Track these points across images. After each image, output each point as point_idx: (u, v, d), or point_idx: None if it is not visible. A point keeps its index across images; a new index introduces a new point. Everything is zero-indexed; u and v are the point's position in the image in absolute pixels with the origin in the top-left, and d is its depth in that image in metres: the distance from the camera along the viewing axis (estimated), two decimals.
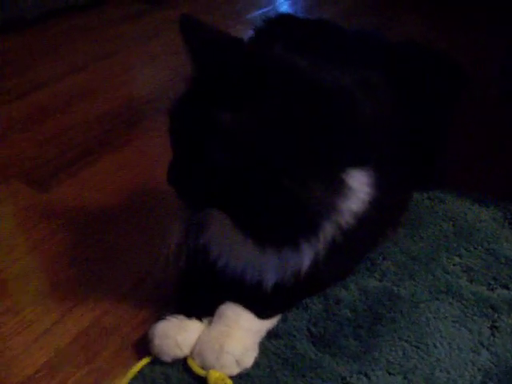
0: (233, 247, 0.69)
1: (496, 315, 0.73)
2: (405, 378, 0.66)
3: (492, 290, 0.77)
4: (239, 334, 0.67)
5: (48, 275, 0.82)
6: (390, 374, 0.66)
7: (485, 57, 1.36)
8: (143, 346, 0.70)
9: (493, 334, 0.71)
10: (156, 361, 0.68)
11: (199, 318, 0.70)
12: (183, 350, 0.67)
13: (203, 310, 0.71)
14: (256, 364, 0.67)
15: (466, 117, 1.01)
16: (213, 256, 0.71)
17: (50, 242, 0.88)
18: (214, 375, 0.64)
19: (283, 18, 1.04)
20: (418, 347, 0.69)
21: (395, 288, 0.77)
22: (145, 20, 1.72)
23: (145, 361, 0.68)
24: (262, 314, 0.70)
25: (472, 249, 0.84)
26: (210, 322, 0.70)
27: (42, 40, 1.60)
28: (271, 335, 0.71)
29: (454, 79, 0.98)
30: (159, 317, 0.70)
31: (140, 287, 0.80)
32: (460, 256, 0.83)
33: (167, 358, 0.67)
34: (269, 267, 0.68)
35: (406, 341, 0.70)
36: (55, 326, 0.74)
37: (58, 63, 1.45)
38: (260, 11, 1.75)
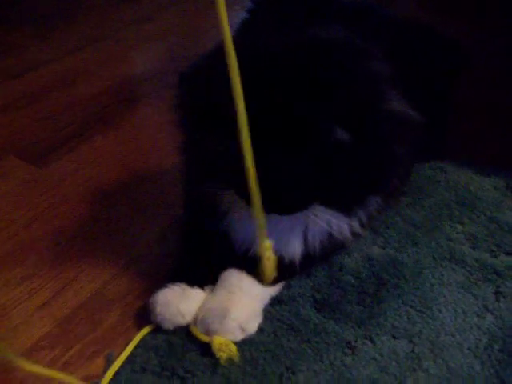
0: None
1: (500, 281, 0.73)
2: (410, 341, 0.66)
3: (495, 256, 0.77)
4: (243, 300, 0.66)
5: (46, 249, 0.81)
6: (395, 338, 0.66)
7: (485, 38, 1.35)
8: (145, 316, 0.69)
9: (497, 299, 0.71)
10: (158, 329, 0.67)
11: (201, 286, 0.70)
12: (186, 318, 0.67)
13: (205, 278, 0.70)
14: (260, 330, 0.67)
15: (467, 91, 1.00)
16: (235, 242, 0.70)
17: (47, 216, 0.87)
18: (217, 341, 0.63)
19: None
20: (422, 312, 0.69)
21: (398, 255, 0.77)
22: (142, 3, 1.70)
23: (147, 329, 0.67)
24: None
25: (474, 217, 0.83)
26: (211, 290, 0.69)
27: (38, 20, 1.57)
28: (275, 301, 0.70)
29: (454, 55, 0.98)
30: (160, 286, 0.70)
31: (140, 259, 0.79)
32: (462, 224, 0.82)
33: (169, 326, 0.67)
34: (297, 241, 0.68)
35: (411, 306, 0.70)
36: (55, 297, 0.73)
37: (54, 44, 1.43)
38: None
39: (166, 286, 0.69)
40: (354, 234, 0.70)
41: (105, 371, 0.63)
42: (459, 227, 0.82)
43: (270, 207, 0.61)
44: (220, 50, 0.64)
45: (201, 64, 0.66)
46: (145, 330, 0.67)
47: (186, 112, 0.68)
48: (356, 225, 0.70)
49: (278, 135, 0.56)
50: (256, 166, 0.58)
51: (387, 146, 0.61)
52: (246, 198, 0.61)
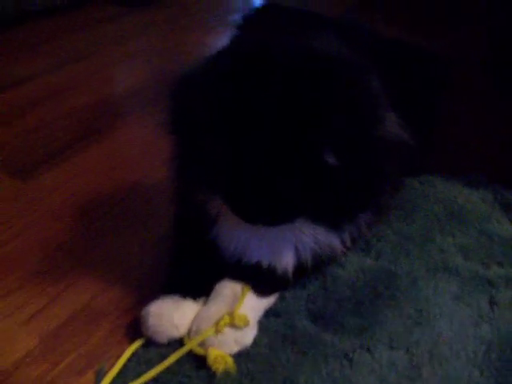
0: (250, 241, 0.68)
1: (493, 291, 0.73)
2: (408, 352, 0.65)
3: (487, 267, 0.77)
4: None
5: (32, 263, 0.78)
6: (392, 348, 0.65)
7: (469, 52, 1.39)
8: (136, 329, 0.67)
9: (492, 309, 0.71)
10: (151, 342, 0.65)
11: (194, 297, 0.68)
12: (179, 330, 0.65)
13: (198, 289, 0.69)
14: (256, 342, 0.65)
15: (453, 104, 1.02)
16: (225, 251, 0.69)
17: (33, 230, 0.85)
18: (213, 353, 0.62)
19: (271, 6, 1.04)
20: (419, 322, 0.68)
21: (392, 267, 0.77)
22: (125, 21, 1.71)
23: (138, 343, 0.65)
24: (261, 291, 0.68)
25: (465, 229, 0.84)
26: (205, 302, 0.68)
27: (22, 38, 1.57)
28: (270, 313, 0.69)
29: (437, 71, 1.00)
30: (152, 298, 0.68)
31: (129, 272, 0.77)
32: (453, 236, 0.82)
33: (163, 339, 0.65)
34: (289, 252, 0.68)
35: (407, 316, 0.69)
36: (44, 310, 0.71)
37: (39, 60, 1.42)
38: (241, 15, 1.75)
39: (158, 298, 0.67)
40: (344, 248, 0.70)
41: None
42: (450, 239, 0.82)
43: (255, 217, 0.61)
44: (212, 59, 0.65)
45: (194, 72, 0.66)
46: (137, 344, 0.65)
47: (178, 119, 0.68)
48: (346, 239, 0.69)
49: (269, 150, 0.56)
50: (246, 174, 0.58)
51: (377, 167, 0.61)
52: (232, 205, 0.61)
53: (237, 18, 0.97)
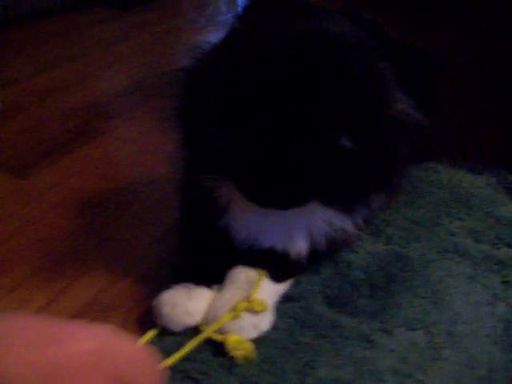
0: (262, 226, 0.67)
1: (505, 271, 0.73)
2: (427, 332, 0.64)
3: (497, 248, 0.77)
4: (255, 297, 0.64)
5: (35, 259, 0.76)
6: (411, 329, 0.64)
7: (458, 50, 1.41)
8: (147, 321, 0.65)
9: (505, 288, 0.70)
10: (165, 331, 0.63)
11: (207, 284, 0.67)
12: (195, 318, 0.63)
13: (210, 276, 0.67)
14: (274, 327, 0.64)
15: (453, 95, 1.03)
16: (237, 238, 0.68)
17: (34, 226, 0.82)
18: (232, 339, 0.60)
19: None
20: (435, 303, 0.68)
21: (403, 250, 0.76)
22: (116, 24, 1.70)
23: (152, 332, 0.63)
24: (276, 276, 0.67)
25: (472, 213, 0.84)
26: (218, 289, 0.66)
27: (13, 41, 1.55)
28: (286, 299, 0.68)
29: (430, 61, 1.01)
30: (162, 289, 0.66)
31: (136, 264, 0.75)
32: (461, 220, 0.82)
33: (177, 327, 0.63)
34: (302, 236, 0.67)
35: (423, 297, 0.68)
36: (50, 304, 0.68)
37: (30, 62, 1.41)
38: (230, 15, 1.76)
39: (170, 287, 0.66)
40: (357, 231, 0.69)
41: None
42: (458, 223, 0.82)
43: (268, 201, 0.60)
44: (224, 45, 0.64)
45: (201, 63, 0.65)
46: (151, 333, 0.63)
47: (187, 108, 0.67)
48: (360, 222, 0.69)
49: (282, 132, 0.55)
50: (256, 157, 0.57)
51: (392, 148, 0.61)
52: (244, 189, 0.60)
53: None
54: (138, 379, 0.35)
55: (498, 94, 1.03)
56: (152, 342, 0.62)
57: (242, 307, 0.62)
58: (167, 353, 0.60)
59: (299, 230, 0.67)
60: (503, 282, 0.71)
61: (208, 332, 0.61)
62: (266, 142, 0.56)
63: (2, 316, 0.32)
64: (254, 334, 0.62)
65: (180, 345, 0.61)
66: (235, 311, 0.62)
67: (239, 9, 1.05)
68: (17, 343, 0.30)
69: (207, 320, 0.63)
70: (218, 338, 0.61)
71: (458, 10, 1.69)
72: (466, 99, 1.11)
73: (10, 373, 0.28)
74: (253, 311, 0.62)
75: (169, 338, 0.63)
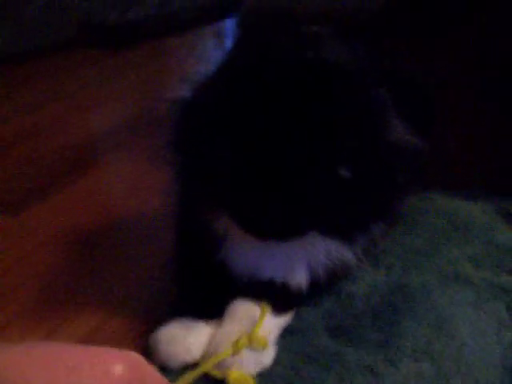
0: (261, 258, 0.65)
1: (509, 297, 0.72)
2: (434, 363, 0.62)
3: (499, 275, 0.76)
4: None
5: (29, 295, 0.74)
6: (417, 360, 0.62)
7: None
8: (145, 359, 0.63)
9: (510, 315, 0.69)
10: (162, 370, 0.61)
11: (207, 319, 0.64)
12: (193, 354, 0.61)
13: (209, 311, 0.65)
14: (276, 361, 0.61)
15: (446, 121, 1.03)
16: (236, 271, 0.66)
17: (27, 262, 0.80)
18: (233, 375, 0.58)
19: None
20: (440, 332, 0.66)
21: (404, 280, 0.75)
22: (108, 63, 1.72)
23: None
24: (277, 309, 0.65)
25: (470, 240, 0.83)
26: (218, 324, 0.64)
27: (3, 80, 1.55)
28: (287, 332, 0.66)
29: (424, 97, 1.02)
30: (159, 325, 0.64)
31: (131, 300, 0.73)
32: (460, 248, 0.81)
33: (175, 365, 0.60)
34: (302, 268, 0.65)
35: (427, 327, 0.66)
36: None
37: (19, 102, 1.41)
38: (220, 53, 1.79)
39: (167, 323, 0.63)
40: (357, 261, 0.68)
41: None
42: (457, 251, 0.81)
43: (266, 233, 0.59)
44: (219, 75, 0.65)
45: (200, 88, 0.65)
46: None
47: (182, 138, 0.66)
48: (359, 252, 0.68)
49: (281, 164, 0.55)
50: (254, 189, 0.56)
51: (391, 175, 0.60)
52: (241, 221, 0.59)
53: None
54: None
55: (492, 115, 1.03)
56: None
57: (243, 344, 0.60)
58: None
59: (299, 261, 0.66)
60: (507, 309, 0.70)
61: (206, 367, 0.59)
62: (264, 173, 0.55)
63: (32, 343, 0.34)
64: (256, 370, 0.60)
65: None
66: (235, 347, 0.59)
67: (228, 47, 1.06)
68: (55, 367, 0.31)
69: (207, 356, 0.60)
70: (218, 374, 0.59)
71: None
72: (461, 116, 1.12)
73: None
74: (254, 348, 0.60)
75: (166, 375, 0.59)
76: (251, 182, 0.56)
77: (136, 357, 0.37)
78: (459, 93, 1.03)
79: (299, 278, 0.66)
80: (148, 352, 0.62)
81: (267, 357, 0.61)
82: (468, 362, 0.62)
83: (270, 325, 0.64)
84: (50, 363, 0.31)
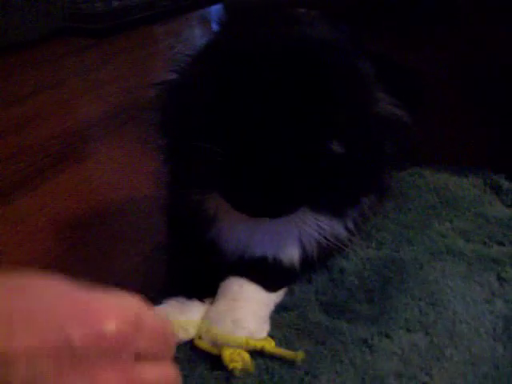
0: (252, 236, 0.65)
1: (499, 268, 0.72)
2: (427, 333, 0.63)
3: (489, 247, 0.77)
4: (250, 307, 0.62)
5: None
6: (410, 331, 0.63)
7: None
8: None
9: (501, 285, 0.70)
10: None
11: (200, 298, 0.65)
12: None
13: (202, 289, 0.65)
14: (270, 337, 0.62)
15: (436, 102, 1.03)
16: (227, 249, 0.66)
17: (17, 251, 0.80)
18: (228, 351, 0.58)
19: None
20: (433, 304, 0.66)
21: (396, 254, 0.75)
22: (93, 52, 1.70)
23: None
24: (270, 286, 0.65)
25: (460, 214, 0.84)
26: (211, 302, 0.64)
27: None
28: (280, 308, 0.66)
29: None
30: (154, 304, 0.64)
31: (124, 282, 0.73)
32: (451, 221, 0.82)
33: None
34: (293, 244, 0.65)
35: (420, 299, 0.67)
36: None
37: (6, 92, 1.39)
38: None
39: (161, 302, 0.64)
40: (349, 236, 0.68)
41: None
42: (448, 224, 0.81)
43: (258, 210, 0.59)
44: (205, 56, 0.64)
45: (187, 70, 0.65)
46: None
47: (171, 120, 0.66)
48: (351, 226, 0.68)
49: (271, 140, 0.54)
50: (245, 166, 0.56)
51: (379, 148, 0.61)
52: (232, 200, 0.59)
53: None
54: (156, 352, 0.34)
55: (480, 97, 1.03)
56: None
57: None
58: None
59: (290, 238, 0.66)
60: (499, 279, 0.71)
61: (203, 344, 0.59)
62: (254, 151, 0.55)
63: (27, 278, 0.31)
64: None
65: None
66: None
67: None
68: (38, 319, 0.28)
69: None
70: (213, 351, 0.59)
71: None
72: (448, 102, 1.12)
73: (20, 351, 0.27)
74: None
75: None
76: (242, 160, 0.56)
77: (133, 306, 0.33)
78: (446, 82, 1.04)
79: (291, 254, 0.66)
80: None
81: (262, 332, 0.61)
82: (460, 332, 0.62)
83: (263, 301, 0.64)
84: (37, 314, 0.29)
